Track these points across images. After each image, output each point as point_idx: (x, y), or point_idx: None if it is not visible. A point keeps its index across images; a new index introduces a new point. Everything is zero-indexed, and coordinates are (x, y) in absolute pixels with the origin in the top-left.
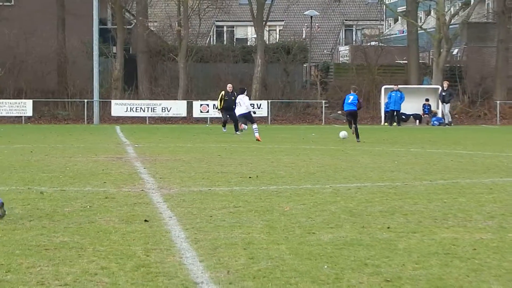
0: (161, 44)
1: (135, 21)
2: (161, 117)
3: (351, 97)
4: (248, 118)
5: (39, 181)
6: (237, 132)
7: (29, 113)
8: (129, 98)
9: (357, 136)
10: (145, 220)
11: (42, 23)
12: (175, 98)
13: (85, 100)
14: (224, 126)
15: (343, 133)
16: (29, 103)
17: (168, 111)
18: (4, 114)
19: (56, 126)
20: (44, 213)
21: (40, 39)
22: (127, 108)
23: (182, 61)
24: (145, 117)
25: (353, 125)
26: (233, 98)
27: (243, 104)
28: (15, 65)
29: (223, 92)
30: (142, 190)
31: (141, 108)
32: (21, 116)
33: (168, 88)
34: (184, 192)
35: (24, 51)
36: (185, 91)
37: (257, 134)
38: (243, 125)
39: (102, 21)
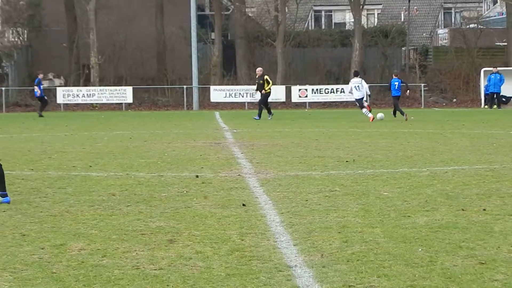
0: (259, 30)
1: (232, 6)
2: None
3: (396, 83)
4: (360, 102)
5: (137, 167)
6: (257, 118)
7: (129, 100)
8: (228, 84)
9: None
10: (243, 204)
11: (140, 10)
12: (273, 83)
13: (184, 87)
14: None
15: (380, 115)
16: (129, 90)
17: None
18: (104, 101)
19: (156, 113)
20: (141, 198)
21: (139, 26)
22: (226, 93)
23: (280, 46)
24: (244, 102)
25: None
26: (261, 81)
27: (362, 88)
28: (115, 52)
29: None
30: (239, 175)
31: (239, 93)
32: (121, 103)
33: (267, 73)
34: (280, 177)
35: (124, 38)
36: (284, 76)
37: (370, 115)
38: (369, 106)
39: (200, 7)
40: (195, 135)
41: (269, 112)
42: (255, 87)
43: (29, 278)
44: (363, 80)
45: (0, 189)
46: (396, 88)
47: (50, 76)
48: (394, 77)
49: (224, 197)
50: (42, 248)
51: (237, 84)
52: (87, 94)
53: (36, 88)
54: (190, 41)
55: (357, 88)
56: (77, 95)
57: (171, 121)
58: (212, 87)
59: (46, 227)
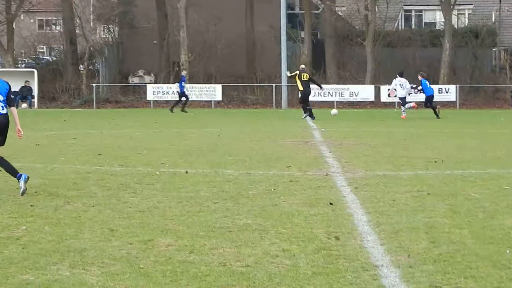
0: (349, 29)
1: (322, 5)
2: (349, 101)
3: (427, 83)
4: (403, 100)
5: (225, 165)
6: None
7: (219, 97)
8: None
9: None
10: (330, 203)
11: (230, 8)
12: (362, 82)
13: (273, 85)
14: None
15: (334, 111)
16: (218, 87)
17: (356, 96)
18: (194, 98)
19: (245, 111)
20: (229, 195)
21: (229, 24)
22: (314, 93)
23: (369, 46)
24: (333, 101)
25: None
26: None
27: (404, 87)
28: (204, 50)
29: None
30: (327, 174)
31: (329, 92)
32: (211, 101)
33: (356, 73)
34: (368, 176)
35: (214, 36)
36: (373, 75)
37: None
38: (415, 104)
39: (290, 6)
40: (284, 134)
41: (305, 111)
42: (344, 86)
43: (117, 273)
44: (406, 80)
45: (12, 174)
46: (428, 87)
47: (141, 73)
48: (421, 78)
49: (311, 195)
50: (130, 244)
51: (326, 83)
52: (177, 92)
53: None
54: (279, 39)
55: (401, 86)
56: (167, 92)
57: (259, 119)
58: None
59: (135, 222)
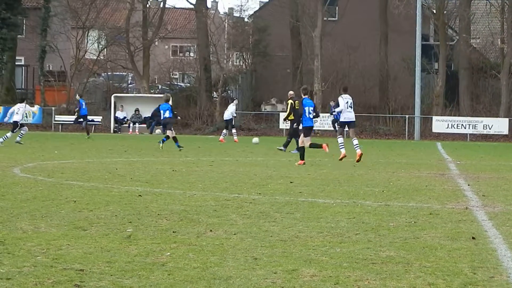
0: (483, 61)
1: (457, 37)
2: (482, 134)
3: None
4: None
5: (363, 195)
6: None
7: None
8: (450, 115)
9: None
10: (472, 238)
11: (365, 38)
12: (496, 115)
13: (406, 116)
14: None
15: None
16: None
17: (489, 129)
18: (326, 128)
19: (377, 141)
20: (370, 227)
21: (363, 54)
22: (448, 124)
23: (504, 79)
24: (466, 134)
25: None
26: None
27: None
28: (337, 79)
29: None
30: (466, 207)
31: (462, 124)
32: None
33: (490, 105)
34: (509, 211)
35: (347, 66)
36: (507, 108)
37: None
38: None
39: (424, 37)
40: (419, 165)
41: (286, 146)
42: (478, 118)
43: None
44: None
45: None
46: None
47: (273, 101)
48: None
49: (452, 229)
50: (275, 273)
51: (459, 115)
52: None
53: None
54: (413, 70)
55: None
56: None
57: (393, 150)
58: (434, 118)
59: (277, 251)
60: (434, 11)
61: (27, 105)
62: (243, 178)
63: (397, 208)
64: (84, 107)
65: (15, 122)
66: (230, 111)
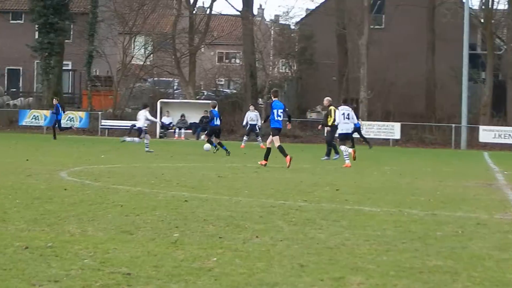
0: None
1: (505, 46)
2: None
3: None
4: None
5: (409, 204)
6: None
7: (397, 135)
8: (497, 124)
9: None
10: None
11: (411, 47)
12: None
13: (453, 125)
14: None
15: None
16: (397, 126)
17: None
18: (372, 136)
19: (423, 150)
20: (416, 235)
21: (409, 63)
22: (495, 134)
23: None
24: None
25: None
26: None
27: None
28: (384, 88)
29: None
30: None
31: (509, 134)
32: (389, 139)
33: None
34: None
35: (394, 74)
36: None
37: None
38: None
39: (471, 46)
40: (466, 175)
41: (328, 154)
42: None
43: None
44: None
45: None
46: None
47: (319, 108)
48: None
49: (500, 239)
50: (321, 280)
51: (506, 125)
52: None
53: None
54: (460, 79)
55: None
56: None
57: (439, 159)
58: (481, 127)
59: (324, 259)
60: (482, 20)
61: (147, 111)
62: (289, 185)
63: (444, 217)
64: (60, 111)
65: (139, 128)
66: (248, 117)
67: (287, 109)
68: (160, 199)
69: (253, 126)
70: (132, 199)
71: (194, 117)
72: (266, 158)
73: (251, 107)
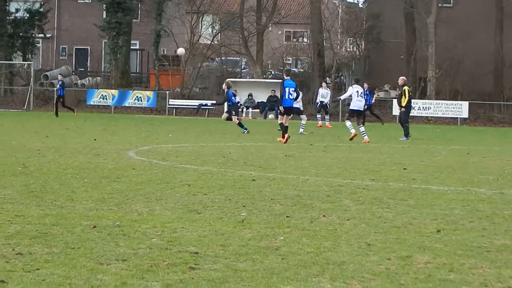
0: None
1: None
2: None
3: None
4: None
5: (477, 183)
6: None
7: (465, 114)
8: None
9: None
10: None
11: (479, 25)
12: None
13: None
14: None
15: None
16: (465, 104)
17: None
18: (440, 115)
19: (491, 129)
20: (484, 214)
21: (477, 41)
22: None
23: None
24: None
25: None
26: (400, 93)
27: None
28: (451, 66)
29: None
30: None
31: None
32: (457, 118)
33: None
34: None
35: (461, 53)
36: None
37: None
38: None
39: None
40: None
41: (407, 134)
42: None
43: (377, 287)
44: None
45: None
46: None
47: (386, 87)
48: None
49: None
50: (388, 259)
51: None
52: (423, 107)
53: None
54: None
55: None
56: (413, 108)
57: (507, 138)
58: None
59: (391, 238)
60: None
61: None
62: (356, 164)
63: (511, 196)
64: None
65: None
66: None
67: (298, 89)
68: (227, 178)
69: (324, 103)
70: (200, 178)
71: (261, 96)
72: (284, 135)
73: (324, 84)
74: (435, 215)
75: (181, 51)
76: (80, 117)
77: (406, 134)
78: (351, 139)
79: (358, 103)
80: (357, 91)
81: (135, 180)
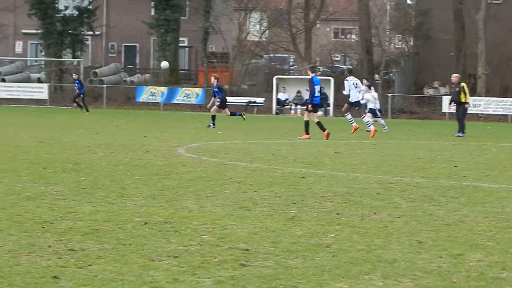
0: None
1: None
2: None
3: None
4: None
5: None
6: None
7: None
8: None
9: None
10: None
11: None
12: None
13: None
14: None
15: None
16: None
17: None
18: (490, 112)
19: None
20: None
21: None
22: None
23: None
24: None
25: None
26: (456, 89)
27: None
28: (502, 63)
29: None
30: None
31: None
32: (507, 115)
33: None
34: None
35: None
36: None
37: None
38: None
39: None
40: None
41: (463, 130)
42: None
43: (430, 286)
44: None
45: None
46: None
47: (436, 84)
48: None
49: None
50: (440, 257)
51: None
52: (473, 104)
53: None
54: None
55: None
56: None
57: None
58: None
59: (442, 235)
60: None
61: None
62: (406, 161)
63: None
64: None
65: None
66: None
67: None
68: (277, 175)
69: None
70: (249, 175)
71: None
72: (307, 132)
73: (365, 81)
74: (486, 213)
75: (164, 64)
76: (129, 114)
77: (462, 130)
78: (372, 136)
79: (356, 94)
80: (353, 83)
81: (185, 177)
